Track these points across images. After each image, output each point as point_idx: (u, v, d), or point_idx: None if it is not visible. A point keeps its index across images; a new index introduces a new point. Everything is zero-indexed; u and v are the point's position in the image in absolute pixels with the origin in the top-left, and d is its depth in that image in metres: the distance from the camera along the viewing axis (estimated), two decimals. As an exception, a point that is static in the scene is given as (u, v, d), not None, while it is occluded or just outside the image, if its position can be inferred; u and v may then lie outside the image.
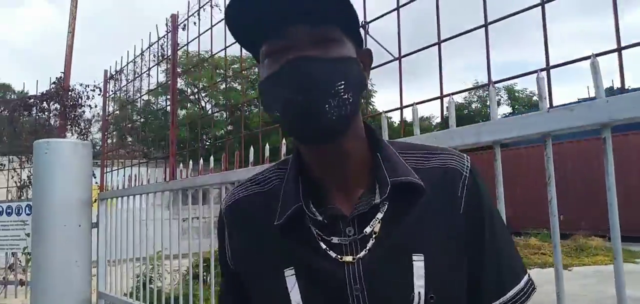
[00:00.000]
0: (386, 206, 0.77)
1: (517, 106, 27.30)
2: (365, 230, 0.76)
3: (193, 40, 3.02)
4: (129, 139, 5.38)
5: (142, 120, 4.98)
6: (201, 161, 2.80)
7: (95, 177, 4.27)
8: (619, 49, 1.11)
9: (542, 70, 1.23)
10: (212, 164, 2.66)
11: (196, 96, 18.59)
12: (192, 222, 3.17)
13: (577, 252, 10.59)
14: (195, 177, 2.79)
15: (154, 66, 3.49)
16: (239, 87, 17.23)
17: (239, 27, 0.78)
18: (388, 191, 0.76)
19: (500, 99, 28.27)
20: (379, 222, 0.76)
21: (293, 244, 0.78)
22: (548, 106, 1.19)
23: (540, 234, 11.95)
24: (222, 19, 2.67)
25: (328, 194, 0.81)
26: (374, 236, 0.75)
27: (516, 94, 27.72)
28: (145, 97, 4.03)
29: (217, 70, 15.47)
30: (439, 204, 0.79)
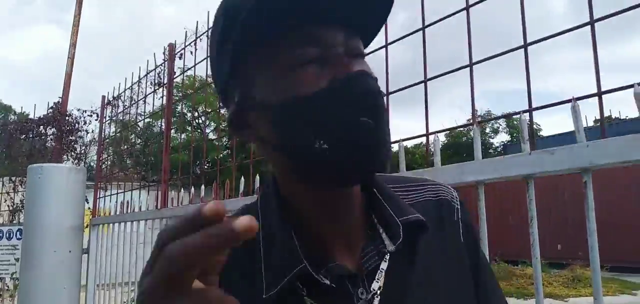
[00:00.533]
0: (387, 254, 0.63)
1: (515, 134, 27.39)
2: (372, 287, 0.61)
3: (189, 69, 3.04)
4: (128, 161, 5.38)
5: (141, 143, 4.99)
6: (193, 188, 2.80)
7: (87, 202, 4.25)
8: (599, 94, 1.11)
9: (524, 112, 1.23)
10: (203, 193, 2.66)
11: (196, 121, 18.70)
12: None
13: (574, 282, 10.50)
14: (186, 206, 2.78)
15: (150, 93, 3.51)
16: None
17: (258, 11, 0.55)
18: (402, 233, 0.62)
19: (499, 127, 28.38)
20: (383, 274, 0.62)
21: None
22: (529, 148, 1.19)
23: (538, 263, 11.85)
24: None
25: (325, 248, 0.63)
26: (378, 292, 0.61)
27: (515, 123, 27.83)
28: (147, 120, 4.06)
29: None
30: (443, 241, 0.70)
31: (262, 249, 0.61)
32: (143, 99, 3.52)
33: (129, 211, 3.51)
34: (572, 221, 12.32)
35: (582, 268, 11.00)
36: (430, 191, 0.75)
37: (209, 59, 0.70)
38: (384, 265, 0.62)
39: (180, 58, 3.12)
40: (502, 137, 28.35)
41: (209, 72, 3.03)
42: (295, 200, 0.64)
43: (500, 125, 28.31)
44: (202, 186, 2.68)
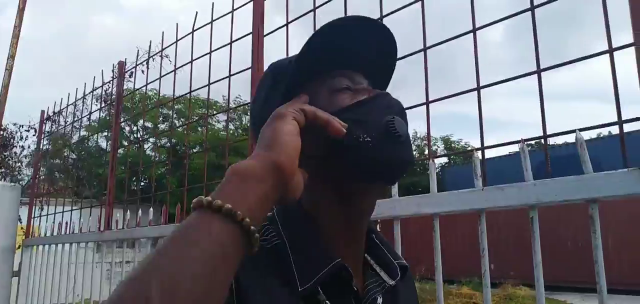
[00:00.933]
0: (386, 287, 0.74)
1: (453, 157, 28.45)
2: None
3: (140, 88, 2.98)
4: (59, 175, 5.14)
5: (75, 157, 4.77)
6: (139, 211, 2.72)
7: (20, 222, 4.02)
8: (545, 137, 1.22)
9: (477, 149, 1.32)
10: (151, 216, 2.59)
11: (135, 135, 18.08)
12: (117, 266, 3.04)
13: (506, 301, 11.00)
14: (133, 229, 2.70)
15: (95, 111, 3.39)
16: (179, 129, 16.95)
17: (339, 44, 0.72)
18: (399, 273, 0.76)
19: (437, 150, 29.41)
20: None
21: None
22: (482, 185, 1.27)
23: (472, 282, 12.34)
24: (171, 71, 2.67)
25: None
26: None
27: (452, 145, 28.93)
28: (83, 133, 3.90)
29: (160, 109, 15.21)
30: (408, 293, 0.81)
31: (291, 254, 0.68)
32: (88, 116, 3.39)
33: (68, 232, 3.34)
34: (505, 241, 12.95)
35: (514, 288, 11.56)
36: (392, 251, 0.85)
37: (253, 107, 0.83)
38: (380, 300, 0.71)
39: (130, 77, 3.05)
40: (438, 160, 29.34)
41: (160, 93, 2.97)
42: (322, 217, 0.72)
43: (438, 147, 29.34)
44: (150, 209, 2.62)
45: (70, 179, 4.71)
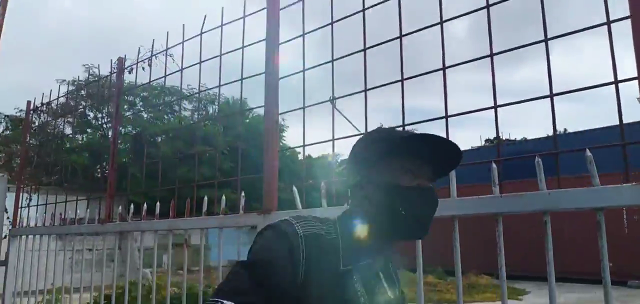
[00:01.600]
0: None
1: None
2: None
3: (142, 85, 3.04)
4: (16, 161, 5.06)
5: (36, 143, 4.70)
6: (145, 205, 2.79)
7: (7, 212, 3.99)
8: (557, 153, 1.41)
9: (495, 161, 1.50)
10: (157, 210, 2.66)
11: (100, 122, 17.62)
12: (86, 254, 3.10)
13: (469, 289, 11.49)
14: (139, 222, 2.77)
15: (84, 107, 3.40)
16: (145, 116, 16.69)
17: (421, 147, 1.06)
18: (399, 291, 1.17)
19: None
20: None
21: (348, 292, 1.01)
22: (499, 192, 1.45)
23: (436, 271, 12.81)
24: (176, 71, 2.75)
25: None
26: None
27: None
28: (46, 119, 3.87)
29: (126, 97, 14.90)
30: None
31: (341, 244, 1.05)
32: (83, 110, 3.40)
33: (61, 223, 3.36)
34: (467, 232, 13.43)
35: (476, 276, 12.08)
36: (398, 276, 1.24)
37: (357, 146, 1.17)
38: None
39: (130, 73, 3.10)
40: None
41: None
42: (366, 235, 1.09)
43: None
44: (157, 203, 2.69)
45: (29, 165, 4.64)
